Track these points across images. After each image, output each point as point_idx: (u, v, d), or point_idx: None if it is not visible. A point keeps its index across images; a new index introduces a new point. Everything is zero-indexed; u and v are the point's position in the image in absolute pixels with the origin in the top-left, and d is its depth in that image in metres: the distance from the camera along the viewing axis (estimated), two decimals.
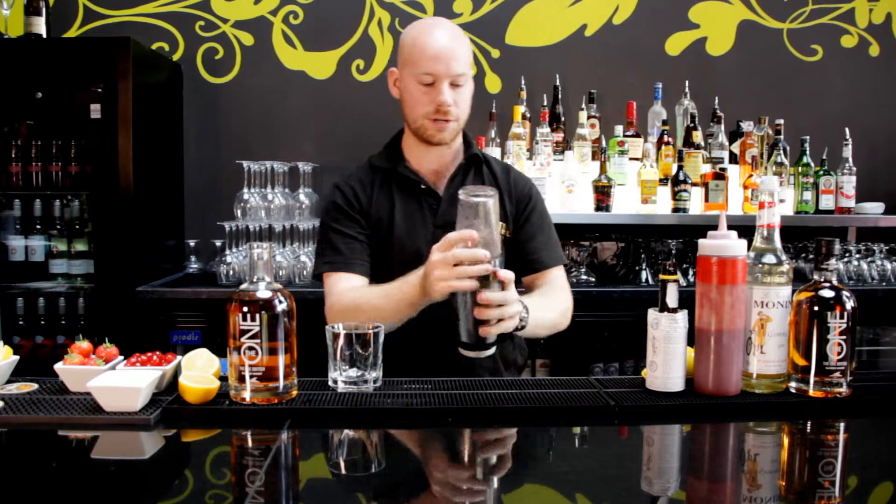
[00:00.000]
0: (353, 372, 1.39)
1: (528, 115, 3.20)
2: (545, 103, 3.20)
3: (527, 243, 1.82)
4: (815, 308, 1.35)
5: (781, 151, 3.15)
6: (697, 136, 3.18)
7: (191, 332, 2.83)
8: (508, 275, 1.47)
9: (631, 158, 3.13)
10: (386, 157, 1.82)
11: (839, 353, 1.35)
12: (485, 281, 1.43)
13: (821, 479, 1.12)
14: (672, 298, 1.37)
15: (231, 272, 2.93)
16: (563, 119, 3.26)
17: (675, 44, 3.48)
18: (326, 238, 1.78)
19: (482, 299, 1.43)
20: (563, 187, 2.99)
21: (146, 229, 3.01)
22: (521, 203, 1.83)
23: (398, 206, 1.77)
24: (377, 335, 1.40)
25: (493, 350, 1.49)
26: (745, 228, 1.45)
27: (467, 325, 1.47)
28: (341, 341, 1.38)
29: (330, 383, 1.41)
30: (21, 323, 2.99)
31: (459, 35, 1.72)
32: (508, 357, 1.85)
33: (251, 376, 1.29)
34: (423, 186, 1.78)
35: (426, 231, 1.75)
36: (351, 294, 1.69)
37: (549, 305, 1.74)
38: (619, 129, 3.14)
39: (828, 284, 1.37)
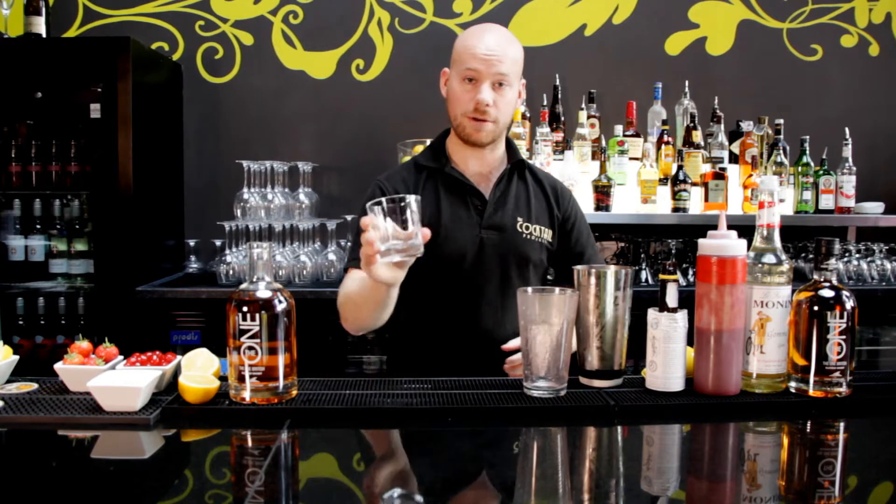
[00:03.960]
0: (398, 244, 1.35)
1: (528, 115, 3.20)
2: (545, 103, 3.19)
3: (583, 252, 1.86)
4: (815, 308, 1.35)
5: (781, 151, 3.15)
6: (697, 136, 3.18)
7: (191, 332, 2.83)
8: None
9: (631, 158, 3.13)
10: (432, 156, 1.82)
11: (839, 353, 1.35)
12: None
13: (821, 479, 1.12)
14: (672, 298, 1.37)
15: (231, 272, 2.93)
16: (562, 119, 3.26)
17: (675, 43, 3.48)
18: (357, 232, 1.75)
19: None
20: None
21: (146, 229, 3.01)
22: (565, 213, 1.86)
23: (444, 206, 1.77)
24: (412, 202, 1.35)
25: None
26: (744, 228, 1.45)
27: (610, 351, 1.42)
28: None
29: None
30: (21, 323, 2.99)
31: (510, 41, 1.73)
32: None
33: (251, 376, 1.29)
34: (469, 187, 1.78)
35: (472, 232, 1.76)
36: (347, 286, 1.69)
37: None
38: (618, 128, 3.13)
39: (827, 284, 1.37)
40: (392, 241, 1.35)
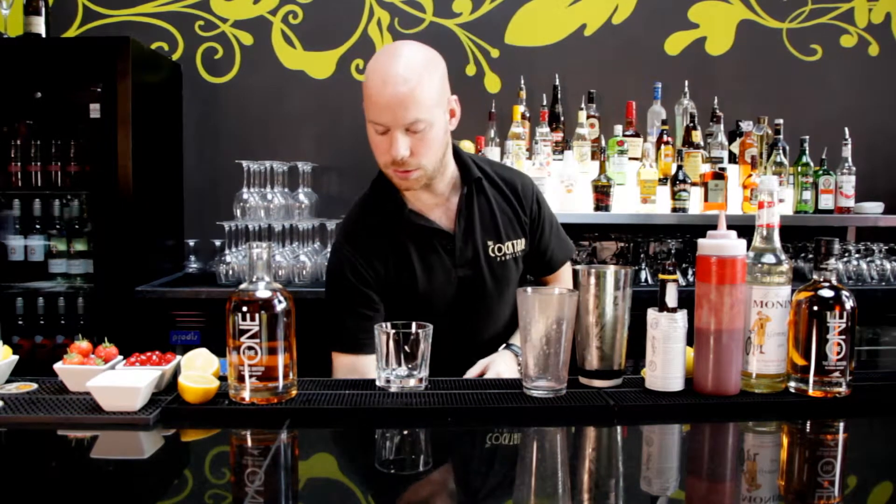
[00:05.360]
0: (402, 371, 1.40)
1: (528, 115, 3.20)
2: (544, 103, 3.20)
3: (546, 250, 1.81)
4: (815, 308, 1.35)
5: (781, 151, 3.16)
6: (697, 136, 3.18)
7: (190, 332, 2.83)
8: None
9: (630, 158, 3.13)
10: (382, 199, 1.67)
11: (838, 353, 1.35)
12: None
13: (820, 479, 1.12)
14: (671, 298, 1.37)
15: (230, 272, 2.93)
16: (562, 119, 3.26)
17: (675, 43, 3.49)
18: (335, 312, 1.69)
19: None
20: (563, 187, 2.98)
21: (145, 229, 3.01)
22: (532, 213, 1.78)
23: (414, 253, 1.66)
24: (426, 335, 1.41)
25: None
26: (744, 228, 1.45)
27: (610, 351, 1.41)
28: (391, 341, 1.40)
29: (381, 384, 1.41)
30: (20, 323, 2.99)
31: (420, 72, 1.49)
32: None
33: (250, 376, 1.29)
34: (433, 230, 1.67)
35: (447, 275, 1.69)
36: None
37: None
38: (618, 128, 3.14)
39: (827, 284, 1.37)
40: (397, 370, 1.40)
